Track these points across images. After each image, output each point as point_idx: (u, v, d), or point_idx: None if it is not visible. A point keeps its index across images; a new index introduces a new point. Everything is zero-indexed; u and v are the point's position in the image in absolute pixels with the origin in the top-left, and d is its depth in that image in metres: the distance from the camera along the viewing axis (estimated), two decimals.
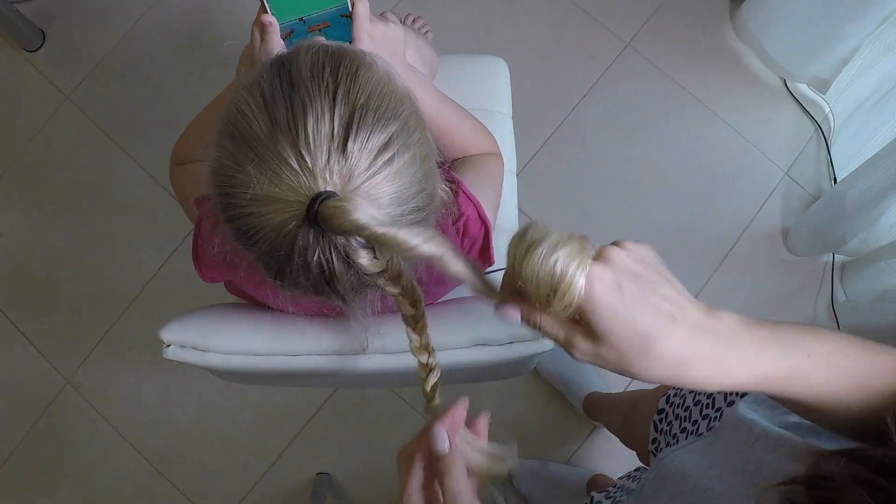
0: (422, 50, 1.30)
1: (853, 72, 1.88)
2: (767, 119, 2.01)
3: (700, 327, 0.52)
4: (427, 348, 0.68)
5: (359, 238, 0.60)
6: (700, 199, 1.97)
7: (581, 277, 0.50)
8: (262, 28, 0.85)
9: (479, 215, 0.94)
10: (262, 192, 0.62)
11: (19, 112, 2.10)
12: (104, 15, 2.12)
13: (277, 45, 0.85)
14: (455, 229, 0.91)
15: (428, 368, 0.68)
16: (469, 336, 0.89)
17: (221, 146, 0.66)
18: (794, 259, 1.93)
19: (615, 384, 1.81)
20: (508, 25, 2.06)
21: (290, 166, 0.61)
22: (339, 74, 0.65)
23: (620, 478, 1.11)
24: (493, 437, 0.66)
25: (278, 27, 0.86)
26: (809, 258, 1.92)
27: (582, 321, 0.52)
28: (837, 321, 1.87)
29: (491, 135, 1.14)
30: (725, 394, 0.94)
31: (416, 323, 0.67)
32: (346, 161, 0.62)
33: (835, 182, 1.93)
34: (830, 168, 1.95)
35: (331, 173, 0.61)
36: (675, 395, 1.10)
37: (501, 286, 0.57)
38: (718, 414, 0.94)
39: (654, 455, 1.09)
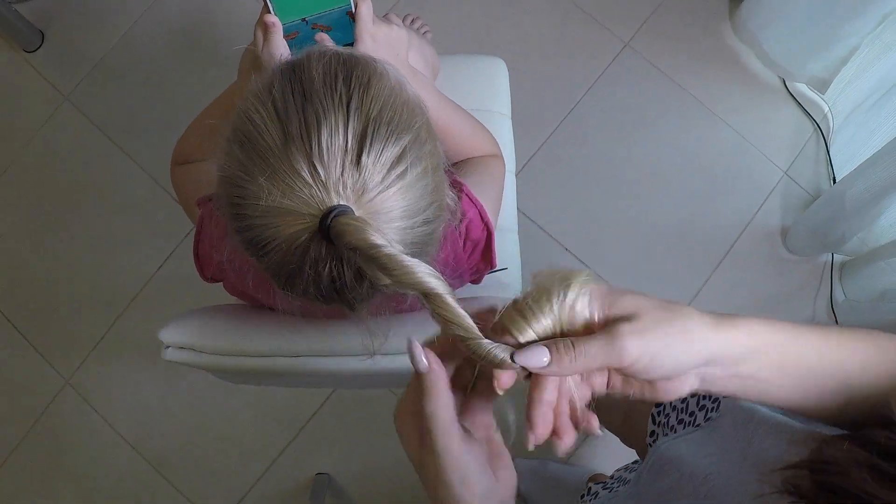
0: (424, 51, 1.30)
1: (852, 71, 1.88)
2: (766, 119, 2.01)
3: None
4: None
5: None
6: (699, 199, 1.97)
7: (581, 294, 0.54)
8: (265, 28, 0.85)
9: (482, 218, 0.94)
10: (273, 204, 0.61)
11: (18, 113, 2.10)
12: (103, 15, 2.12)
13: (280, 46, 0.85)
14: (458, 232, 0.91)
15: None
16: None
17: (231, 154, 0.66)
18: (793, 258, 1.93)
19: None
20: (508, 25, 2.06)
21: (303, 179, 0.60)
22: (352, 84, 0.65)
23: (618, 470, 1.11)
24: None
25: (281, 27, 0.86)
26: (808, 258, 1.92)
27: (608, 324, 0.54)
28: (837, 320, 1.87)
29: (492, 136, 1.14)
30: None
31: None
32: (359, 174, 0.61)
33: (834, 181, 1.93)
34: (829, 167, 1.95)
35: (344, 187, 0.61)
36: None
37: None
38: (716, 405, 0.94)
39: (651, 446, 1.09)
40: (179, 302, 1.91)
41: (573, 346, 0.52)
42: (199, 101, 1.09)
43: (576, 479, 1.75)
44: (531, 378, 0.55)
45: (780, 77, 2.01)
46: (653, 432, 1.12)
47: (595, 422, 0.56)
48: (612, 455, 1.81)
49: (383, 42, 0.88)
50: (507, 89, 1.47)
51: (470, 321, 0.53)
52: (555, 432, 0.56)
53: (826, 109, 1.99)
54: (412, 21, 1.95)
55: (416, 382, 0.57)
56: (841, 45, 1.78)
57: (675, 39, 2.05)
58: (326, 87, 0.64)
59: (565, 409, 0.56)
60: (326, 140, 0.61)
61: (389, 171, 0.63)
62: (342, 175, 0.61)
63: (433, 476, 0.56)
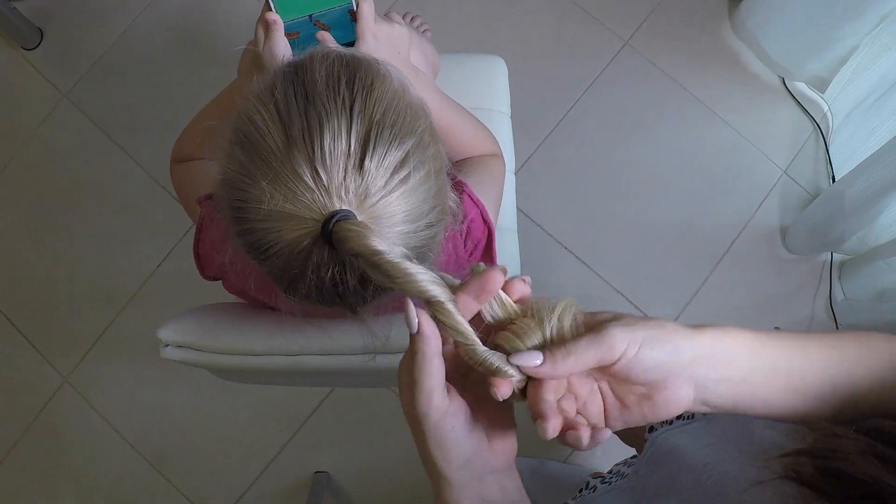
0: (425, 50, 1.30)
1: (851, 71, 1.88)
2: (766, 118, 2.01)
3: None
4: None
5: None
6: (698, 198, 1.97)
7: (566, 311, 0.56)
8: (267, 26, 0.85)
9: (483, 217, 0.94)
10: (276, 209, 0.61)
11: (17, 111, 2.09)
12: (103, 13, 2.12)
13: (281, 44, 0.85)
14: (459, 231, 0.91)
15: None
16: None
17: (232, 156, 0.65)
18: (792, 258, 1.93)
19: None
20: (507, 24, 2.06)
21: (306, 183, 0.60)
22: (355, 87, 0.65)
23: (617, 464, 1.11)
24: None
25: (282, 25, 0.86)
26: (808, 257, 1.93)
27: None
28: (836, 320, 1.87)
29: (492, 135, 1.14)
30: None
31: None
32: (362, 179, 0.61)
33: (833, 181, 1.93)
34: (829, 167, 1.95)
35: (346, 191, 0.60)
36: None
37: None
38: None
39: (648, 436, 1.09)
40: (178, 300, 1.91)
41: (564, 345, 0.53)
42: (198, 100, 1.09)
43: (575, 478, 1.76)
44: (530, 386, 0.55)
45: (779, 76, 2.01)
46: (651, 427, 1.12)
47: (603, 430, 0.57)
48: (612, 455, 1.81)
49: (385, 40, 0.88)
50: (507, 88, 1.47)
51: (469, 328, 0.54)
52: (570, 426, 0.56)
53: (825, 108, 1.99)
54: (412, 19, 1.95)
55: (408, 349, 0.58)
56: (840, 44, 1.78)
57: (675, 38, 2.05)
58: (329, 89, 0.64)
59: (570, 408, 0.56)
60: (329, 144, 0.61)
61: (392, 175, 0.62)
62: (345, 179, 0.61)
63: (417, 439, 0.57)
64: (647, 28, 2.05)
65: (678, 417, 1.01)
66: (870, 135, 1.78)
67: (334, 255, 0.61)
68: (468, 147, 1.09)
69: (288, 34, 0.87)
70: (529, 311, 0.56)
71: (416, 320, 0.54)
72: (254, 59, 0.88)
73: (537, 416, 0.54)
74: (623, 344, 0.52)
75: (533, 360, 0.53)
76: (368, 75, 0.67)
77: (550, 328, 0.54)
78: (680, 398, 0.54)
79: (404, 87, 0.69)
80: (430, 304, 0.54)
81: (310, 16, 0.88)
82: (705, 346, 0.54)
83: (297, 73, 0.66)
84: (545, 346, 0.54)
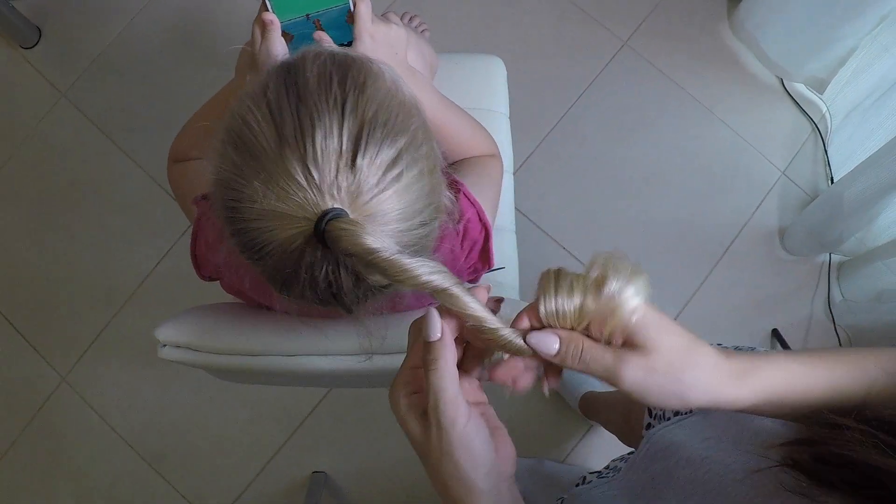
0: (423, 50, 1.29)
1: (850, 72, 1.88)
2: (765, 118, 2.01)
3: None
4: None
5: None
6: (697, 199, 1.97)
7: (635, 297, 0.54)
8: (263, 26, 0.85)
9: (480, 217, 0.94)
10: (268, 208, 0.61)
11: (15, 110, 2.09)
12: (101, 12, 2.12)
13: (278, 44, 0.85)
14: (455, 231, 0.91)
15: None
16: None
17: (225, 157, 0.65)
18: (790, 259, 1.93)
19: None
20: (506, 24, 2.06)
21: (298, 182, 0.60)
22: (347, 86, 0.64)
23: (614, 460, 1.11)
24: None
25: (279, 25, 0.85)
26: (806, 258, 1.93)
27: (627, 342, 0.55)
28: (834, 321, 1.87)
29: (490, 136, 1.14)
30: None
31: None
32: (354, 177, 0.61)
33: (832, 182, 1.93)
34: (827, 168, 1.95)
35: (338, 189, 0.60)
36: None
37: (515, 321, 0.57)
38: None
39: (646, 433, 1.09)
40: (176, 300, 1.91)
41: (582, 350, 0.53)
42: (197, 99, 1.08)
43: (573, 476, 1.75)
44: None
45: (778, 77, 2.01)
46: (649, 424, 1.12)
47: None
48: (610, 455, 1.81)
49: (382, 41, 0.88)
50: (505, 88, 1.47)
51: (482, 308, 0.54)
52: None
53: (824, 109, 1.99)
54: (410, 19, 1.95)
55: (415, 357, 0.58)
56: (839, 45, 1.78)
57: (674, 39, 2.05)
58: (321, 88, 0.64)
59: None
60: (321, 142, 0.61)
61: (385, 173, 0.62)
62: (337, 178, 0.60)
63: (437, 452, 0.56)
64: (646, 28, 2.05)
65: (675, 413, 1.01)
66: (868, 136, 1.78)
67: (328, 254, 0.61)
68: (465, 147, 1.09)
69: (285, 34, 0.87)
70: (605, 265, 0.55)
71: (439, 325, 0.55)
72: (250, 59, 0.88)
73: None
74: (631, 385, 0.53)
75: (549, 347, 0.54)
76: (360, 74, 0.66)
77: (596, 305, 0.54)
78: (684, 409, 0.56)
79: (397, 85, 0.69)
80: (436, 294, 0.54)
81: (307, 16, 0.88)
82: (730, 398, 0.55)
83: (288, 72, 0.66)
84: (575, 318, 0.54)
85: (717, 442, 0.75)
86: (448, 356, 0.55)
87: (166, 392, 1.93)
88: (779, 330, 1.87)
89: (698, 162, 1.98)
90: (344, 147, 0.61)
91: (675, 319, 0.55)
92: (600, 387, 1.78)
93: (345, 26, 0.89)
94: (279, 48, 0.85)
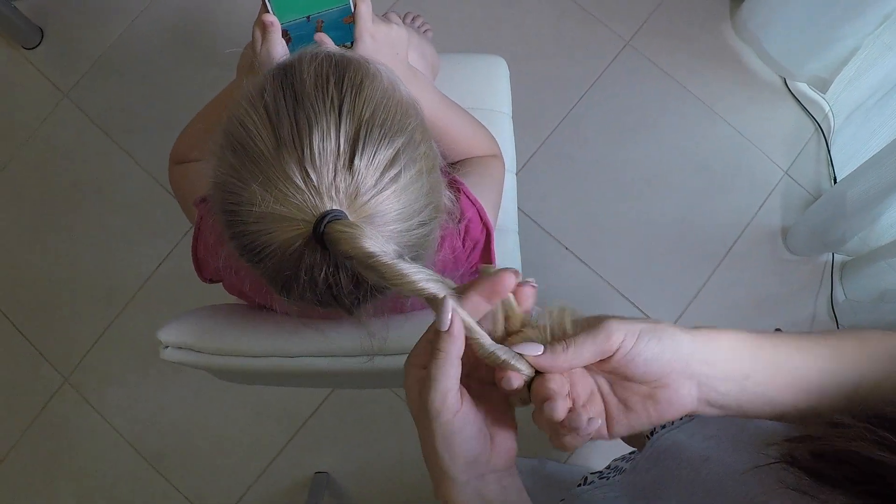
0: (424, 50, 1.29)
1: (853, 71, 1.88)
2: (767, 118, 2.00)
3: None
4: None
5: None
6: (700, 198, 1.96)
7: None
8: (264, 28, 0.85)
9: (481, 218, 0.94)
10: (267, 211, 0.61)
11: (17, 110, 2.09)
12: (103, 12, 2.12)
13: (279, 45, 0.85)
14: (457, 231, 0.91)
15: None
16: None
17: (224, 160, 0.65)
18: (793, 258, 1.93)
19: None
20: (508, 24, 2.06)
21: (296, 184, 0.60)
22: (344, 87, 0.64)
23: (615, 459, 1.11)
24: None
25: (280, 27, 0.85)
26: (809, 258, 1.92)
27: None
28: (837, 321, 1.87)
29: (492, 136, 1.14)
30: None
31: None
32: (352, 178, 0.61)
33: (835, 182, 1.93)
34: (830, 167, 1.95)
35: (336, 191, 0.60)
36: None
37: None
38: None
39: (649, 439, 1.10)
40: (179, 300, 1.91)
41: (563, 339, 0.54)
42: (198, 100, 1.08)
43: (574, 477, 1.75)
44: (535, 381, 0.56)
45: (780, 76, 2.01)
46: (653, 431, 1.12)
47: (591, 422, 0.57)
48: (612, 455, 1.81)
49: (383, 41, 0.88)
50: (508, 88, 1.47)
51: (474, 322, 0.54)
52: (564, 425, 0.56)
53: (827, 109, 1.99)
54: (413, 19, 1.95)
55: (426, 341, 0.57)
56: (841, 45, 1.78)
57: (676, 38, 2.04)
58: (318, 89, 0.64)
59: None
60: (318, 144, 0.61)
61: (383, 174, 0.62)
62: (335, 179, 0.60)
63: (423, 434, 0.57)
64: (648, 28, 2.05)
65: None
66: (871, 136, 1.77)
67: (327, 255, 0.61)
68: (467, 147, 1.09)
69: (284, 35, 0.87)
70: (532, 322, 0.56)
71: (450, 316, 0.54)
72: (251, 61, 0.88)
73: (545, 398, 0.54)
74: (620, 334, 0.52)
75: (534, 351, 0.53)
76: (357, 74, 0.66)
77: (550, 330, 0.55)
78: (682, 396, 0.54)
79: (394, 85, 0.69)
80: (429, 302, 0.54)
81: (307, 18, 0.88)
82: (701, 341, 0.55)
83: (286, 74, 0.66)
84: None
85: (717, 442, 0.76)
86: (451, 349, 0.54)
87: (168, 392, 1.93)
88: (781, 330, 1.86)
89: (700, 161, 1.98)
90: (341, 148, 0.61)
91: (678, 320, 0.55)
92: None
93: (346, 27, 0.88)
94: (279, 49, 0.85)
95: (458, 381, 0.55)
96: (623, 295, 1.90)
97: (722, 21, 2.05)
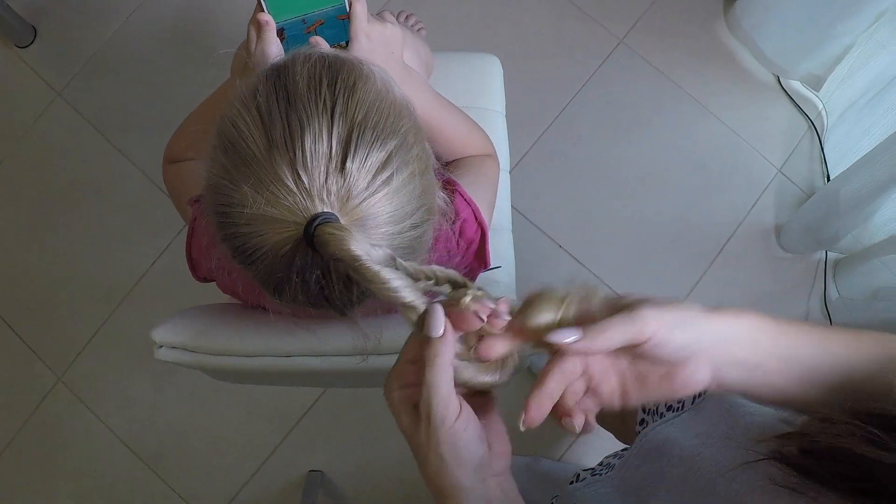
0: (418, 49, 1.29)
1: (846, 69, 1.88)
2: (761, 116, 2.01)
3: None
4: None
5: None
6: (693, 196, 1.97)
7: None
8: (259, 27, 0.85)
9: (476, 218, 0.94)
10: (258, 212, 0.61)
11: (11, 109, 2.09)
12: (97, 11, 2.11)
13: (274, 44, 0.85)
14: (451, 231, 0.91)
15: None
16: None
17: (216, 161, 0.65)
18: (787, 256, 1.93)
19: None
20: (502, 23, 2.06)
21: (287, 186, 0.60)
22: (337, 89, 0.64)
23: (607, 456, 1.11)
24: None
25: (275, 26, 0.85)
26: (802, 255, 1.93)
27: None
28: (830, 318, 1.87)
29: (487, 136, 1.14)
30: None
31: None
32: (343, 181, 0.61)
33: (828, 179, 1.93)
34: (824, 165, 1.95)
35: (328, 193, 0.60)
36: None
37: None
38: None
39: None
40: (173, 298, 1.90)
41: (598, 323, 0.54)
42: (193, 99, 1.08)
43: (568, 474, 1.75)
44: (543, 382, 0.57)
45: (774, 74, 2.01)
46: (643, 420, 1.12)
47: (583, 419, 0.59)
48: (605, 452, 1.81)
49: (378, 41, 0.88)
50: (502, 86, 1.47)
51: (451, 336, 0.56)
52: (566, 413, 0.58)
53: (820, 107, 1.99)
54: (406, 18, 1.95)
55: (412, 351, 0.58)
56: (835, 43, 1.78)
57: (670, 36, 2.04)
58: (310, 91, 0.64)
59: (581, 389, 0.59)
60: (310, 146, 0.61)
61: (375, 176, 0.62)
62: (326, 182, 0.60)
63: (425, 447, 0.57)
64: (642, 26, 2.05)
65: (668, 409, 1.01)
66: (864, 133, 1.78)
67: (318, 258, 0.61)
68: (461, 147, 1.09)
69: (280, 35, 0.87)
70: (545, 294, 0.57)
71: (443, 322, 0.55)
72: (245, 60, 0.88)
73: (563, 414, 0.57)
74: (655, 325, 0.53)
75: (570, 336, 0.54)
76: (351, 76, 0.66)
77: (567, 307, 0.56)
78: (698, 379, 0.56)
79: (387, 87, 0.69)
80: (404, 310, 0.55)
81: (304, 21, 0.88)
82: (725, 328, 0.57)
83: (279, 75, 0.66)
84: (564, 324, 0.55)
85: (707, 438, 0.76)
86: (447, 354, 0.55)
87: (162, 392, 1.93)
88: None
89: (694, 159, 1.98)
90: (333, 151, 0.61)
91: None
92: None
93: (342, 26, 0.88)
94: (274, 49, 0.85)
95: (454, 387, 0.56)
96: (617, 293, 1.91)
97: (716, 19, 2.05)
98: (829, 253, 1.91)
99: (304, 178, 0.60)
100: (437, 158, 0.76)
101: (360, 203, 0.61)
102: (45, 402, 1.94)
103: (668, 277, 1.92)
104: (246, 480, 1.89)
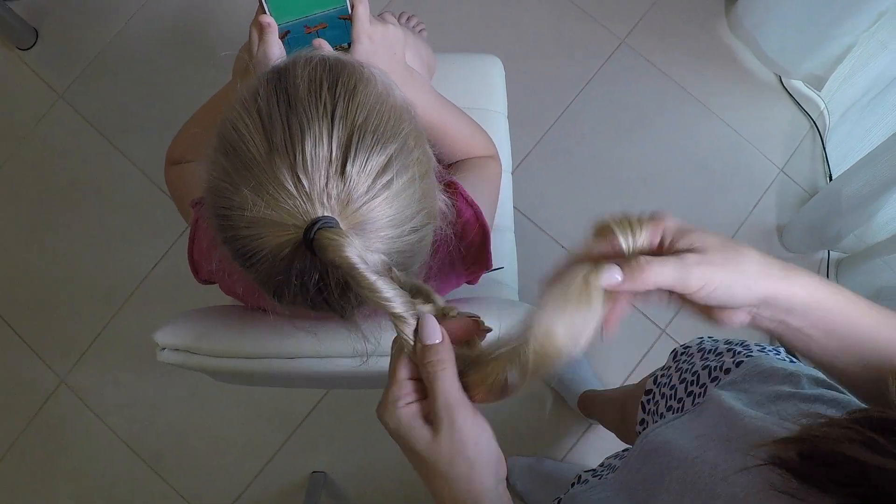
0: (420, 50, 1.29)
1: (848, 69, 1.88)
2: (763, 116, 2.01)
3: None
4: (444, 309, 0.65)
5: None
6: (695, 196, 1.97)
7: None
8: (261, 29, 0.84)
9: (478, 219, 0.94)
10: (259, 216, 0.61)
11: (13, 111, 2.09)
12: (98, 13, 2.11)
13: (275, 46, 0.84)
14: (453, 233, 0.91)
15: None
16: None
17: (217, 164, 0.65)
18: (789, 256, 1.93)
19: (610, 381, 1.81)
20: (503, 23, 2.06)
21: (287, 190, 0.60)
22: (337, 92, 0.64)
23: (608, 457, 1.11)
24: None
25: (277, 28, 0.85)
26: (805, 255, 1.92)
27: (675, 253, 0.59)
28: None
29: (488, 137, 1.14)
30: (710, 371, 0.96)
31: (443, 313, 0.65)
32: (344, 184, 0.61)
33: (830, 179, 1.93)
34: (826, 165, 1.95)
35: (328, 197, 0.60)
36: (662, 375, 1.10)
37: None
38: (703, 390, 0.95)
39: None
40: (175, 300, 1.90)
41: (644, 262, 0.56)
42: (194, 100, 1.08)
43: (570, 475, 1.75)
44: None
45: (776, 74, 2.01)
46: (643, 420, 1.13)
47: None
48: (606, 453, 1.81)
49: (380, 42, 0.88)
50: (503, 87, 1.47)
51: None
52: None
53: (822, 106, 1.99)
54: (408, 19, 1.95)
55: (404, 370, 0.60)
56: (836, 42, 1.78)
57: (672, 36, 2.04)
58: (311, 94, 0.64)
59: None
60: (310, 150, 0.61)
61: (375, 180, 0.62)
62: (326, 185, 0.60)
63: (449, 454, 0.57)
64: (643, 26, 2.05)
65: (668, 410, 1.01)
66: (866, 133, 1.78)
67: (317, 261, 0.61)
68: (463, 148, 1.09)
69: (282, 37, 0.87)
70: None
71: (439, 328, 0.57)
72: (247, 62, 0.88)
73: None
74: (700, 283, 0.56)
75: (613, 277, 0.56)
76: (351, 79, 0.66)
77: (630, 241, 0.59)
78: (734, 322, 0.60)
79: (388, 90, 0.68)
80: (394, 320, 0.57)
81: (305, 27, 0.88)
82: (778, 293, 0.58)
83: (279, 78, 0.66)
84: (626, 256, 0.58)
85: (707, 440, 0.76)
86: (448, 356, 0.56)
87: (165, 393, 1.93)
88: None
89: (696, 159, 1.98)
90: (333, 154, 0.61)
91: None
92: (599, 385, 1.78)
93: (344, 28, 0.88)
94: (276, 51, 0.85)
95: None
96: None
97: (717, 19, 2.05)
98: (831, 252, 1.91)
99: (305, 182, 0.60)
100: (439, 160, 0.75)
101: (361, 207, 0.61)
102: (48, 403, 1.94)
103: None
104: (249, 481, 1.89)
